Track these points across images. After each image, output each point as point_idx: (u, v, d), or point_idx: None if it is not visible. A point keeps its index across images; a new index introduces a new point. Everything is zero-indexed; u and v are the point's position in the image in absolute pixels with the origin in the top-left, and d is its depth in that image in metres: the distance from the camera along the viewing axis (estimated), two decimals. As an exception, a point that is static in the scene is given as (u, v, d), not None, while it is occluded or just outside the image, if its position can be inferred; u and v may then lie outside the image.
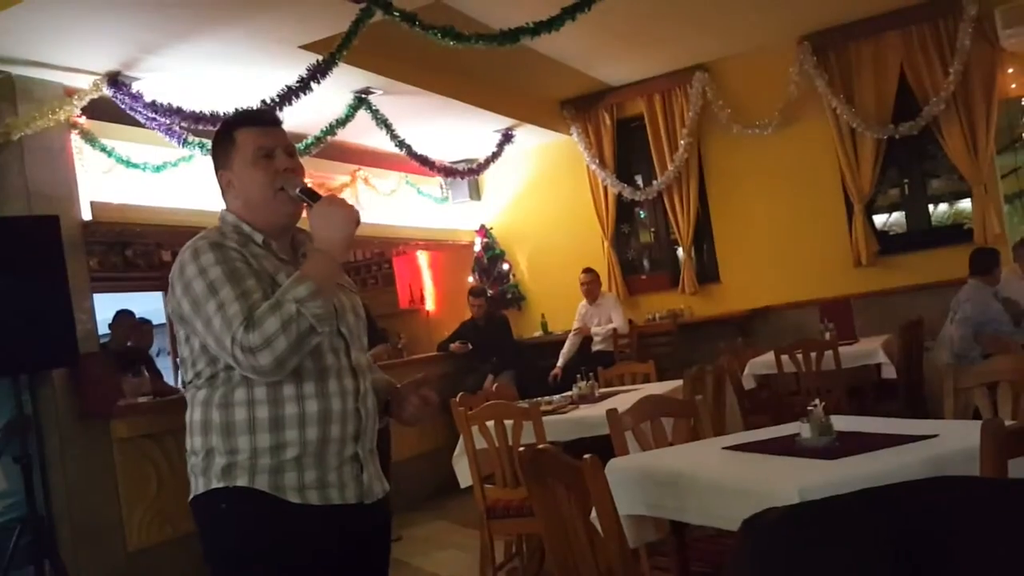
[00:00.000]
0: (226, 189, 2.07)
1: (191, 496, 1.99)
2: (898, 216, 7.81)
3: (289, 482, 1.90)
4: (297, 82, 5.12)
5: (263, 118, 2.13)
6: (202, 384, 1.95)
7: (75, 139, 5.36)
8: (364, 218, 1.99)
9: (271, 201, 2.01)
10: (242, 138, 2.04)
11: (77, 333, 4.61)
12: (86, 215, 5.28)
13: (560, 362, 7.73)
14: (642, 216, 8.94)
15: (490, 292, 8.58)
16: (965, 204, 7.41)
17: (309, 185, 2.05)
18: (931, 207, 7.70)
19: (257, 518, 1.90)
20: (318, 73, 5.06)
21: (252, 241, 2.01)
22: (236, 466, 1.89)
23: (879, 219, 7.80)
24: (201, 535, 1.98)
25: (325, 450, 1.93)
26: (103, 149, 5.47)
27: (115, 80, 5.19)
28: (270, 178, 2.01)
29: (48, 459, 4.71)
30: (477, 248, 9.24)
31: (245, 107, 2.17)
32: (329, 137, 6.26)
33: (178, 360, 2.07)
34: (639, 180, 8.60)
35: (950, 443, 2.30)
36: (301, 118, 5.90)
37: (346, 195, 7.58)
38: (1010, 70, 7.08)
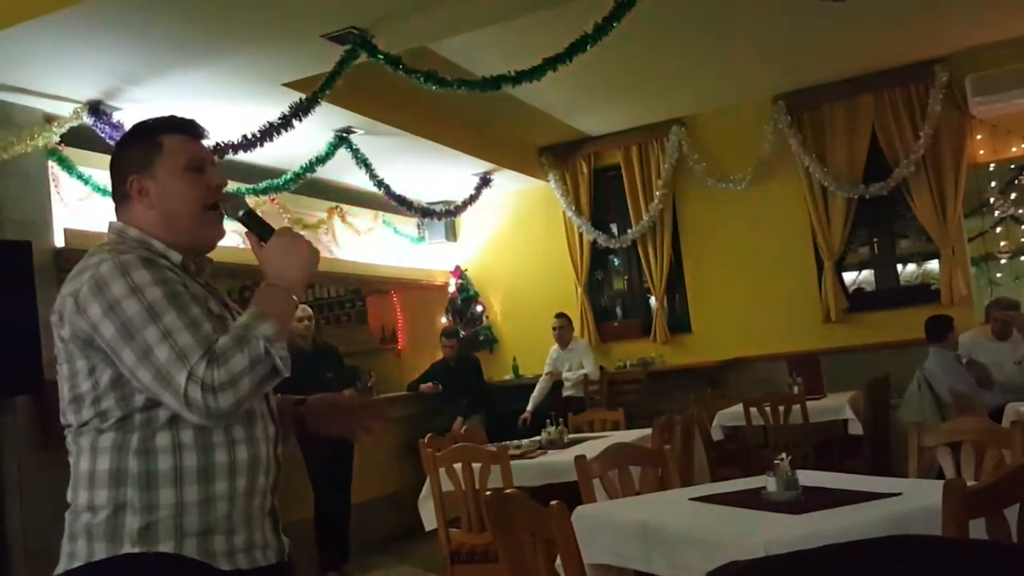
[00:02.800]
0: (136, 197, 1.79)
1: (76, 564, 1.66)
2: (867, 274, 7.94)
3: (219, 546, 1.66)
4: (279, 119, 5.15)
5: (195, 128, 1.87)
6: (108, 427, 1.65)
7: (52, 166, 5.34)
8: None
9: (198, 218, 1.79)
10: (171, 144, 1.80)
11: (43, 360, 4.56)
12: (59, 242, 5.25)
13: (530, 406, 7.71)
14: (616, 264, 9.01)
15: (463, 333, 8.57)
16: (933, 265, 7.55)
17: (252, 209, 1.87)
18: (900, 267, 7.84)
19: None
20: (300, 111, 5.09)
21: (167, 261, 1.75)
22: (157, 527, 1.61)
23: (849, 276, 7.92)
24: None
25: (251, 504, 1.72)
26: (80, 177, 5.46)
27: (96, 109, 5.20)
28: (200, 193, 1.79)
29: (5, 486, 4.62)
30: (451, 289, 9.25)
31: (172, 114, 1.90)
32: (308, 174, 6.28)
33: (65, 397, 1.71)
34: (614, 228, 8.69)
35: (913, 501, 2.32)
36: (281, 154, 5.94)
37: (322, 232, 7.58)
38: (979, 136, 7.26)
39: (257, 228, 1.81)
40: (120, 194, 1.83)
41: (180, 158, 1.80)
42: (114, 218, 1.86)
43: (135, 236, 1.78)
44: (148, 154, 1.80)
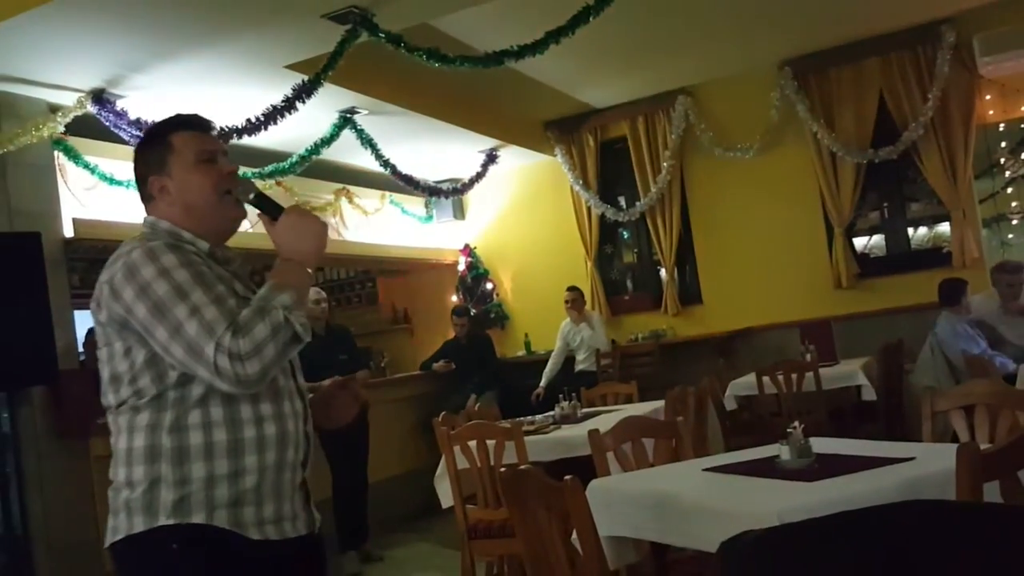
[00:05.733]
0: (159, 196, 1.92)
1: (119, 536, 1.76)
2: (878, 239, 7.89)
3: (248, 517, 1.77)
4: (282, 101, 5.14)
5: (201, 123, 1.98)
6: (144, 406, 1.76)
7: (58, 156, 5.35)
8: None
9: (216, 206, 1.91)
10: (180, 142, 1.92)
11: (57, 350, 4.59)
12: (68, 232, 5.26)
13: (543, 382, 7.73)
14: (625, 237, 8.99)
15: (473, 311, 8.58)
16: (944, 228, 7.49)
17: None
18: (910, 230, 7.79)
19: (217, 558, 1.74)
20: (303, 93, 5.08)
21: (197, 249, 1.88)
22: (190, 499, 1.72)
23: (859, 242, 7.87)
24: None
25: (281, 477, 1.82)
26: (86, 166, 5.47)
27: (100, 97, 5.19)
28: (214, 182, 1.91)
29: (26, 477, 4.67)
30: (461, 267, 9.25)
31: (177, 113, 2.00)
32: (314, 156, 6.28)
33: (105, 379, 1.83)
34: (622, 201, 8.66)
35: (927, 466, 2.32)
36: (286, 137, 5.93)
37: (330, 214, 7.58)
38: (988, 96, 7.18)
39: (267, 208, 1.91)
40: (145, 195, 1.96)
41: (190, 153, 1.91)
42: (143, 212, 1.97)
43: (166, 228, 1.90)
44: (161, 155, 1.92)
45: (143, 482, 1.74)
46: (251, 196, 1.93)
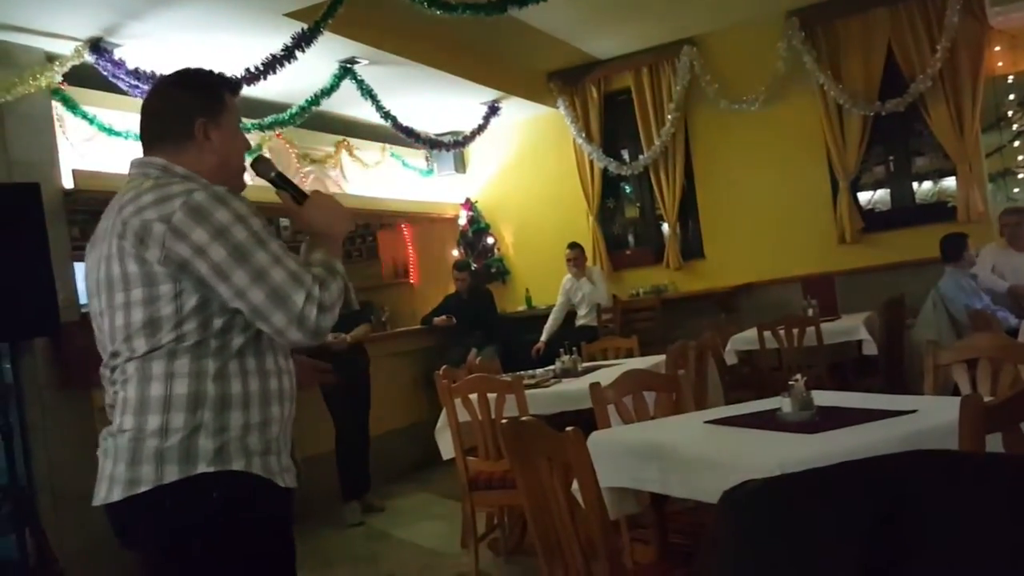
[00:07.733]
0: (199, 138, 1.88)
1: (143, 488, 1.69)
2: (883, 193, 7.84)
3: (274, 465, 1.82)
4: (281, 50, 5.08)
5: (239, 92, 2.05)
6: (182, 351, 1.72)
7: (56, 106, 5.29)
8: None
9: (241, 172, 2.00)
10: (230, 101, 1.96)
11: (58, 302, 4.57)
12: (68, 183, 5.23)
13: (544, 336, 7.74)
14: (628, 191, 8.93)
15: (474, 266, 8.56)
16: (949, 182, 7.44)
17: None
18: (915, 185, 7.73)
19: (255, 505, 1.78)
20: (303, 42, 5.02)
21: None
22: (229, 447, 1.73)
23: (864, 196, 7.82)
24: (171, 530, 1.73)
25: (287, 429, 1.89)
26: (85, 116, 5.41)
27: (97, 46, 5.12)
28: (245, 150, 2.01)
29: (29, 428, 4.69)
30: (462, 221, 9.22)
31: (221, 72, 2.03)
32: (313, 107, 6.21)
33: (135, 323, 1.73)
34: (625, 155, 8.59)
35: (929, 418, 2.32)
36: (286, 87, 5.86)
37: (330, 166, 7.53)
38: (997, 48, 7.08)
39: (289, 188, 2.00)
40: (178, 132, 1.88)
41: (235, 116, 1.97)
42: (138, 155, 1.93)
43: (182, 173, 1.85)
44: (215, 104, 1.92)
45: (182, 430, 1.71)
46: (272, 174, 2.00)
